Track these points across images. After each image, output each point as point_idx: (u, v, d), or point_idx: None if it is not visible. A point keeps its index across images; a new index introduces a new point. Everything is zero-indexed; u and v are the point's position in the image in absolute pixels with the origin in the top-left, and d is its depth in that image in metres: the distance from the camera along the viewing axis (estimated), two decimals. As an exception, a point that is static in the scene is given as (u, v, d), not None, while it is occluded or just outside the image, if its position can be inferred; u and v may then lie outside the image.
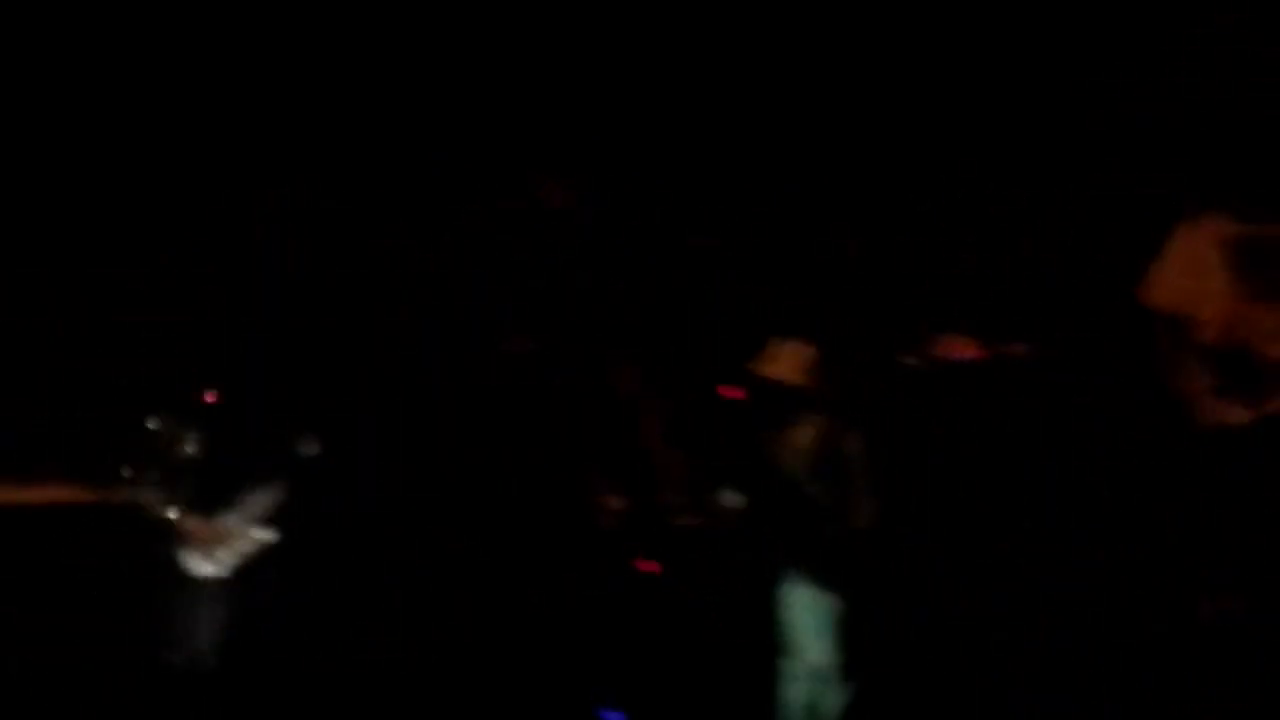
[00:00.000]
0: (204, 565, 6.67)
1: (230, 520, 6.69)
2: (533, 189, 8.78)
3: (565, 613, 7.82)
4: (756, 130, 8.54)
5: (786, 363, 6.13)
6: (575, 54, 8.49)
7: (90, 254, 8.42)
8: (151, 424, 6.75)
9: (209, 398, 6.86)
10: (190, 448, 6.72)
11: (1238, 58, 7.77)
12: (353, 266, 8.63)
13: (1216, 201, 6.84)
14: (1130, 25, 7.97)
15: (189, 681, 6.69)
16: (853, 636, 6.16)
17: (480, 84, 8.56)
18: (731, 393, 6.58)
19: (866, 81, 8.34)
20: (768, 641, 6.23)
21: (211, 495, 6.70)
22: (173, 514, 6.64)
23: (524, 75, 8.54)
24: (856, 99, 8.38)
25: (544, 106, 8.59)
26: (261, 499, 6.74)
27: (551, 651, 7.66)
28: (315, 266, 8.57)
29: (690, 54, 8.42)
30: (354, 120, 8.53)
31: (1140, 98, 7.96)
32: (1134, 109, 7.98)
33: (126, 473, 6.73)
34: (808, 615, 6.12)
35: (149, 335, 8.48)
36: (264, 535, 6.75)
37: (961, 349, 7.39)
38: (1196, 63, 7.84)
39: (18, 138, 8.26)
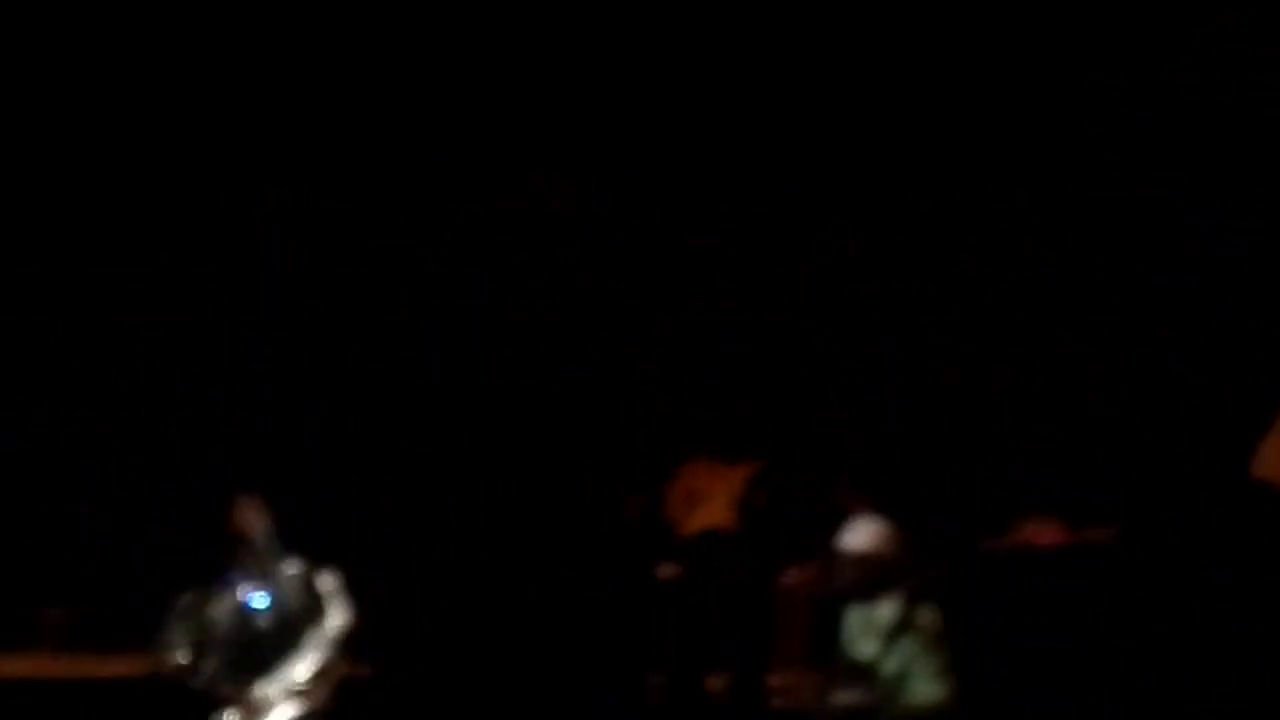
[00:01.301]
0: None
1: (268, 689, 6.79)
2: (533, 189, 8.76)
3: None
4: (760, 131, 8.52)
5: (866, 537, 6.19)
6: (575, 54, 8.49)
7: (90, 254, 8.43)
8: (191, 596, 6.86)
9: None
10: (228, 618, 6.83)
11: (1238, 58, 7.77)
12: (353, 266, 8.62)
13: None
14: (1130, 25, 7.97)
15: None
16: None
17: (481, 83, 8.55)
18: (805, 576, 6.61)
19: (867, 82, 8.34)
20: None
21: (250, 665, 6.81)
22: (213, 683, 6.73)
23: (524, 75, 8.53)
24: (857, 100, 8.38)
25: (544, 106, 8.58)
26: (298, 668, 6.84)
27: None
28: (315, 266, 8.56)
29: (691, 55, 8.42)
30: (354, 120, 8.51)
31: (1140, 98, 7.96)
32: (1134, 109, 7.98)
33: (171, 645, 6.82)
34: None
35: (149, 335, 8.49)
36: (300, 705, 6.85)
37: (1046, 534, 7.44)
38: (1196, 63, 7.84)
39: (18, 138, 8.25)
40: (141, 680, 7.42)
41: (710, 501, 8.24)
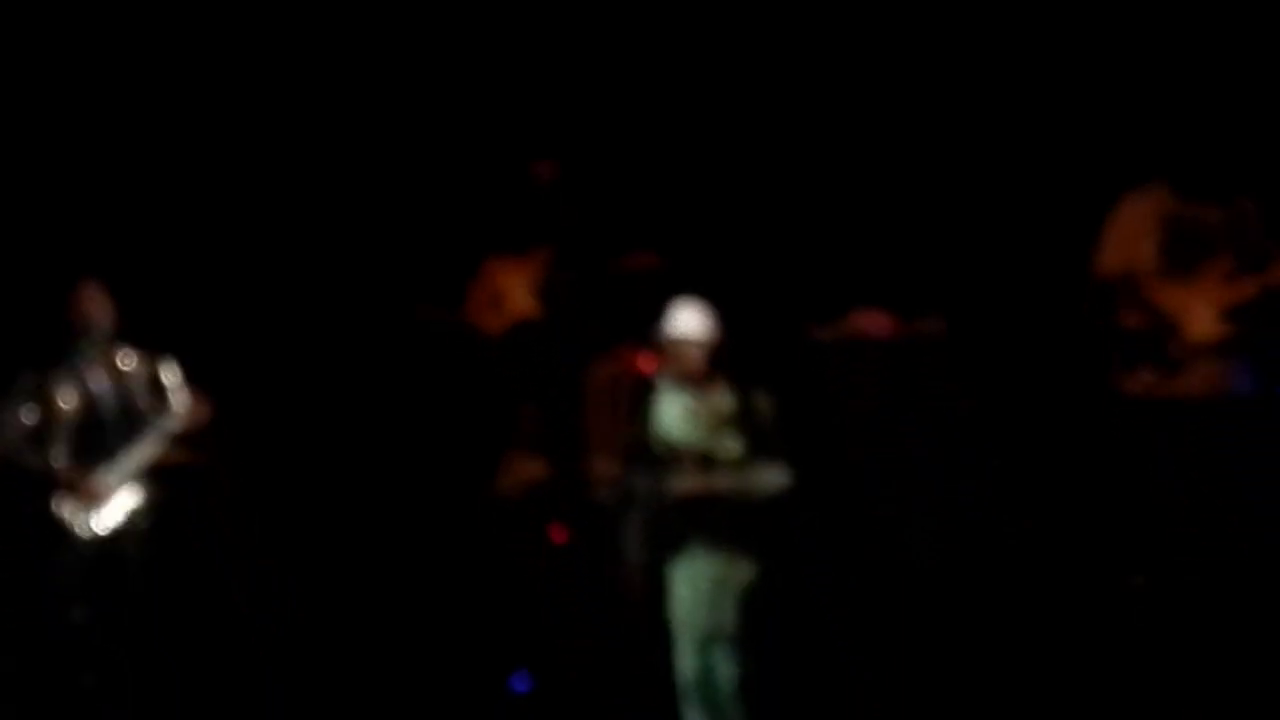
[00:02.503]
0: (86, 520, 6.72)
1: (109, 475, 6.76)
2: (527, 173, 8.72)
3: (471, 578, 7.86)
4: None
5: (691, 321, 6.22)
6: (573, 52, 8.48)
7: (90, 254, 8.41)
8: (31, 378, 6.85)
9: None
10: (68, 402, 6.81)
11: (1237, 58, 7.78)
12: (352, 267, 8.62)
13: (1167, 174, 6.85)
14: (1130, 25, 7.97)
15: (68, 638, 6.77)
16: (748, 607, 6.24)
17: (479, 80, 8.54)
18: (647, 363, 6.58)
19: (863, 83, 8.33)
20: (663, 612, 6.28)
21: (91, 450, 6.79)
22: (53, 467, 6.73)
23: (522, 71, 8.52)
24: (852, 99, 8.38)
25: (541, 104, 8.57)
26: (140, 454, 6.83)
27: (458, 618, 7.71)
28: (318, 266, 8.57)
29: (687, 54, 8.41)
30: (354, 120, 8.50)
31: (1141, 97, 7.96)
32: (1136, 107, 7.99)
33: (10, 427, 6.79)
34: (692, 586, 6.20)
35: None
36: (141, 491, 6.83)
37: (877, 324, 7.46)
38: (1196, 62, 7.85)
39: (18, 139, 8.24)
40: None
41: (511, 296, 8.05)
